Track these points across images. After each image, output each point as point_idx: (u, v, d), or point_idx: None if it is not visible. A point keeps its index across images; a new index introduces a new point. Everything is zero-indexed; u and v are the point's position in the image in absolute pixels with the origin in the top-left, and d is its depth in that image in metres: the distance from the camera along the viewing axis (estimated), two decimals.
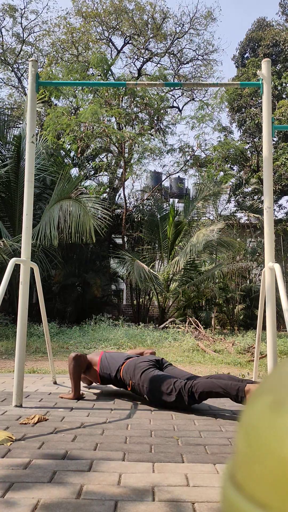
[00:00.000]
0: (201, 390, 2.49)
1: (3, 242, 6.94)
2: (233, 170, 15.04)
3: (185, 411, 2.65)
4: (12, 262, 2.73)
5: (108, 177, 13.44)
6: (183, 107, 16.46)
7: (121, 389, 3.09)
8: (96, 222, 7.76)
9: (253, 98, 14.64)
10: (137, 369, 2.79)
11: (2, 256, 7.05)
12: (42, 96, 10.00)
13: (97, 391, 3.23)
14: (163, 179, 15.07)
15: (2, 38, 16.12)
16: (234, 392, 2.41)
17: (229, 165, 14.44)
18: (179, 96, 15.35)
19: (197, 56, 15.38)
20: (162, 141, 13.52)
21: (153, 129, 12.48)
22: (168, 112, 14.38)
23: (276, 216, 14.24)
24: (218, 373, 4.11)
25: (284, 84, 14.74)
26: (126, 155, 11.57)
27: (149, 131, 11.79)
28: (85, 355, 3.01)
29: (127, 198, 12.01)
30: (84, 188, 10.38)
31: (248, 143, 15.16)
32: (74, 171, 11.47)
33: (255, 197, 13.38)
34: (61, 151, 10.95)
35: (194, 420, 2.47)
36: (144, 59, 14.88)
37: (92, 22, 14.10)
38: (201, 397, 2.52)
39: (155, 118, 12.08)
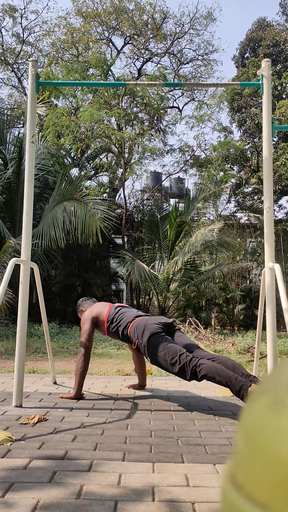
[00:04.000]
0: (204, 373, 2.48)
1: (13, 241, 6.96)
2: (233, 170, 15.04)
3: (185, 411, 2.65)
4: (12, 262, 2.73)
5: (108, 177, 13.45)
6: (183, 107, 16.48)
7: (125, 342, 3.04)
8: (103, 224, 7.76)
9: (253, 98, 14.64)
10: (146, 331, 2.75)
11: (13, 256, 7.06)
12: (44, 96, 10.01)
13: (97, 391, 3.23)
14: (163, 179, 15.08)
15: (2, 38, 16.14)
16: (237, 387, 2.41)
17: (229, 165, 14.44)
18: (179, 96, 15.37)
19: (197, 56, 15.40)
20: (162, 141, 13.53)
21: (153, 129, 12.48)
22: (168, 112, 14.39)
23: (276, 216, 14.24)
24: None
25: (284, 84, 14.75)
26: (126, 155, 11.57)
27: (149, 131, 11.79)
28: (95, 317, 2.96)
29: (127, 198, 12.02)
30: (85, 189, 10.39)
31: (248, 143, 15.16)
32: (75, 171, 11.48)
33: (255, 197, 13.38)
34: (62, 151, 10.95)
35: (194, 420, 2.46)
36: (144, 59, 14.90)
37: (92, 22, 14.11)
38: (202, 378, 2.53)
39: (155, 118, 12.08)
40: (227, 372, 2.46)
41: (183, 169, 13.92)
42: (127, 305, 3.20)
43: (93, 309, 3.04)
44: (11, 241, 7.00)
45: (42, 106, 9.13)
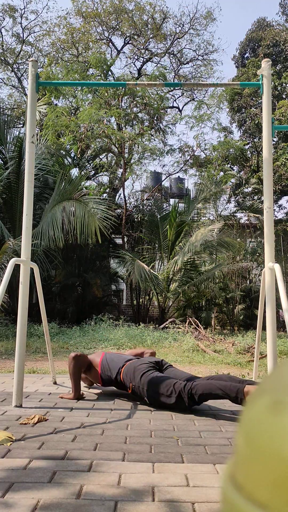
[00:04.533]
0: (200, 392, 2.48)
1: (12, 242, 6.96)
2: (233, 170, 15.04)
3: (185, 411, 2.65)
4: (12, 262, 2.73)
5: (108, 177, 13.45)
6: (183, 107, 16.50)
7: (122, 391, 3.09)
8: (102, 223, 7.75)
9: (253, 98, 14.64)
10: (137, 372, 2.78)
11: (13, 257, 7.07)
12: (44, 97, 10.00)
13: (97, 391, 3.23)
14: (163, 179, 15.08)
15: (2, 38, 16.14)
16: (233, 394, 2.40)
17: (229, 165, 14.44)
18: (179, 96, 15.37)
19: (197, 56, 15.41)
20: (162, 141, 13.53)
21: (153, 129, 12.48)
22: (168, 112, 14.39)
23: (276, 216, 14.24)
24: (218, 373, 4.11)
25: (284, 84, 14.74)
26: (126, 155, 11.57)
27: (149, 131, 11.79)
28: (85, 355, 3.01)
29: (127, 198, 12.02)
30: (84, 189, 10.38)
31: (248, 143, 15.17)
32: (75, 171, 11.48)
33: (255, 197, 13.38)
34: (61, 151, 10.95)
35: (194, 420, 2.46)
36: (144, 59, 14.90)
37: (92, 22, 14.11)
38: (200, 399, 2.52)
39: (155, 118, 12.08)
40: (221, 382, 2.47)
41: (183, 169, 13.92)
42: (117, 353, 3.22)
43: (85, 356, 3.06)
44: (9, 242, 7.00)
45: (42, 104, 9.12)
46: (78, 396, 2.92)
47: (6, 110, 13.72)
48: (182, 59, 15.20)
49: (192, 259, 9.57)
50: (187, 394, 2.52)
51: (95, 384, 3.42)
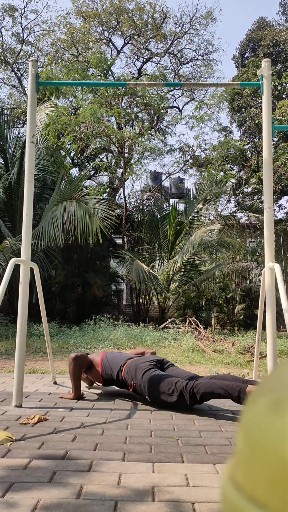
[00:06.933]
0: (202, 391, 2.48)
1: (9, 241, 6.96)
2: (233, 170, 15.04)
3: (185, 411, 2.65)
4: (12, 262, 2.73)
5: (108, 177, 13.44)
6: (183, 107, 16.49)
7: (123, 389, 3.09)
8: (102, 223, 7.75)
9: (253, 98, 14.64)
10: (139, 370, 2.78)
11: (10, 256, 7.07)
12: (45, 98, 10.00)
13: (97, 391, 3.23)
14: (163, 179, 15.08)
15: (2, 38, 16.13)
16: (235, 393, 2.40)
17: (229, 165, 14.44)
18: (179, 96, 15.37)
19: (197, 56, 15.41)
20: (162, 141, 13.52)
21: (153, 129, 12.48)
22: (168, 112, 14.38)
23: (276, 216, 14.24)
24: (218, 373, 4.11)
25: (284, 84, 14.74)
26: (126, 155, 11.57)
27: (149, 131, 11.79)
28: (85, 355, 3.00)
29: (127, 198, 12.02)
30: (84, 188, 10.38)
31: (248, 143, 15.17)
32: (75, 171, 11.48)
33: (255, 197, 13.38)
34: (61, 151, 10.95)
35: (194, 420, 2.46)
36: (144, 59, 14.90)
37: (92, 22, 14.11)
38: (202, 398, 2.52)
39: (155, 118, 12.08)
40: (224, 382, 2.47)
41: (183, 169, 13.92)
42: (118, 352, 3.22)
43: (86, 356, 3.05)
44: (7, 242, 6.98)
45: (49, 107, 9.07)
46: (78, 396, 2.92)
47: (6, 110, 13.71)
48: (182, 59, 15.20)
49: (192, 259, 9.57)
50: (189, 393, 2.52)
51: (95, 384, 3.42)
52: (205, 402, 2.82)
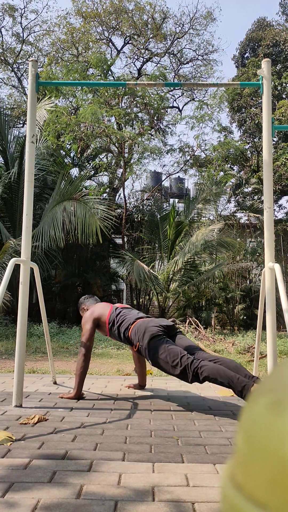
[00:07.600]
0: (206, 374, 2.49)
1: (13, 242, 6.96)
2: (233, 170, 15.04)
3: (185, 411, 2.65)
4: (12, 262, 2.73)
5: (108, 177, 13.44)
6: (183, 107, 16.50)
7: (125, 344, 3.06)
8: (103, 223, 7.75)
9: (253, 98, 14.64)
10: (147, 333, 2.76)
11: (12, 256, 7.07)
12: (48, 97, 9.97)
13: (97, 391, 3.23)
14: (163, 179, 15.08)
15: (2, 38, 16.14)
16: (239, 388, 2.40)
17: (229, 165, 14.45)
18: (179, 96, 15.36)
19: (197, 56, 15.41)
20: (162, 141, 13.52)
21: (153, 129, 12.48)
22: (168, 112, 14.38)
23: (276, 216, 14.25)
24: None
25: (284, 84, 14.75)
26: (126, 155, 11.57)
27: (149, 131, 11.79)
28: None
29: (127, 198, 12.01)
30: (84, 189, 10.38)
31: (248, 143, 15.17)
32: (75, 171, 11.48)
33: (255, 197, 13.39)
34: (61, 151, 10.94)
35: (194, 420, 2.46)
36: (144, 59, 14.90)
37: (92, 22, 14.11)
38: (205, 380, 2.53)
39: (155, 118, 12.08)
40: (229, 373, 2.46)
41: (183, 169, 13.92)
42: (128, 306, 3.20)
43: (94, 310, 3.04)
44: (11, 242, 7.01)
45: (47, 103, 9.06)
46: (79, 396, 2.92)
47: (6, 110, 13.71)
48: (182, 59, 15.20)
49: (192, 259, 9.57)
50: (193, 371, 2.52)
51: (95, 384, 3.43)
52: (204, 402, 2.82)
